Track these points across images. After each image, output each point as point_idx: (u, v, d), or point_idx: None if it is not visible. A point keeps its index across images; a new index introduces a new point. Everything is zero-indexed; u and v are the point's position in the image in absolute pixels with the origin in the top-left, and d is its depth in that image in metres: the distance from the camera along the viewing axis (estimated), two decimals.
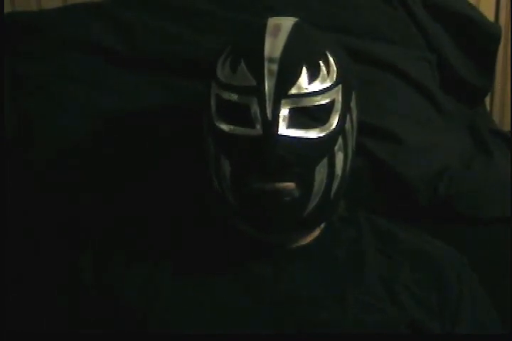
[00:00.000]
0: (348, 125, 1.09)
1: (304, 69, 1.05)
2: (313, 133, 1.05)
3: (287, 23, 1.10)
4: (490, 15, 1.63)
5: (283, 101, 1.03)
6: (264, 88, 1.03)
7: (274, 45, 1.05)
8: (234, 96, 1.05)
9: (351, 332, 1.06)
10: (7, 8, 1.46)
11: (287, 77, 1.04)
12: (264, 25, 1.08)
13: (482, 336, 1.14)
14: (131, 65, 1.34)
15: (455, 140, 1.41)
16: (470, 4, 1.53)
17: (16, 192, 1.27)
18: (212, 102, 1.08)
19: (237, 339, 1.04)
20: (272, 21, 1.10)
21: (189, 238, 1.13)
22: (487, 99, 1.60)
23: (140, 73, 1.34)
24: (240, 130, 1.05)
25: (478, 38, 1.47)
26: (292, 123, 1.03)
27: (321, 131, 1.05)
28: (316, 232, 1.15)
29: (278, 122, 1.02)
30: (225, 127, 1.06)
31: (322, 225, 1.15)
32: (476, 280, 1.18)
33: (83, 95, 1.32)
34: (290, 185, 1.04)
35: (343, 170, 1.09)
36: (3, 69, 1.30)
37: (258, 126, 1.03)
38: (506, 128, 1.71)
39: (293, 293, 1.08)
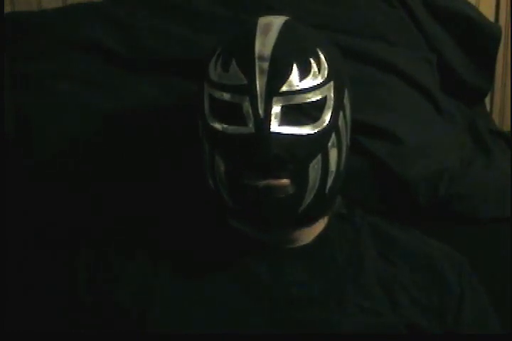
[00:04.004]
0: (341, 121, 1.09)
1: (295, 67, 1.05)
2: (305, 130, 1.05)
3: (278, 21, 1.10)
4: (490, 15, 1.63)
5: (275, 99, 1.04)
6: (256, 86, 1.04)
7: (264, 43, 1.06)
8: (226, 96, 1.06)
9: (349, 334, 1.06)
10: (7, 8, 1.46)
11: (278, 75, 1.04)
12: (255, 24, 1.09)
13: (482, 336, 1.14)
14: (131, 65, 1.34)
15: (455, 140, 1.41)
16: (470, 4, 1.53)
17: (15, 192, 1.27)
18: (206, 102, 1.09)
19: (235, 339, 1.04)
20: (263, 20, 1.10)
21: (188, 238, 1.13)
22: (487, 99, 1.60)
23: (140, 73, 1.34)
24: (232, 128, 1.05)
25: (478, 38, 1.47)
26: (284, 121, 1.04)
27: (314, 128, 1.06)
28: (315, 233, 1.15)
29: (270, 120, 1.03)
30: (218, 126, 1.06)
31: (321, 226, 1.15)
32: (476, 280, 1.18)
33: (83, 95, 1.32)
34: (284, 181, 1.04)
35: (338, 166, 1.09)
36: (3, 69, 1.30)
37: (250, 124, 1.04)
38: (506, 128, 1.71)
39: (291, 294, 1.09)
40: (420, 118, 1.38)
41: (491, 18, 1.66)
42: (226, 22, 1.36)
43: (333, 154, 1.08)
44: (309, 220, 1.12)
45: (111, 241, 1.14)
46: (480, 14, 1.49)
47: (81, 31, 1.35)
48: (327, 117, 1.07)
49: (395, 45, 1.42)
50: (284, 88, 1.04)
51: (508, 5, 1.69)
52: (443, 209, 1.34)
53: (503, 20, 1.69)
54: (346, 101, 1.11)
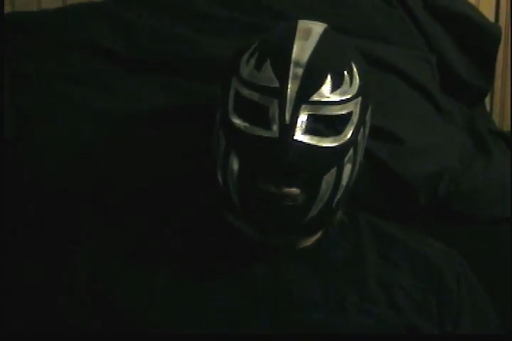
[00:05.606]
0: (360, 137, 1.09)
1: (329, 78, 1.05)
2: (326, 142, 1.05)
3: (318, 28, 1.10)
4: (490, 16, 1.63)
5: (303, 107, 1.03)
6: (287, 91, 1.03)
7: (302, 49, 1.05)
8: (255, 95, 1.05)
9: (349, 335, 1.06)
10: (7, 8, 1.46)
11: (311, 83, 1.04)
12: (294, 27, 1.08)
13: (482, 336, 1.14)
14: (132, 65, 1.34)
15: (455, 140, 1.41)
16: (470, 4, 1.53)
17: (15, 192, 1.27)
18: (231, 97, 1.08)
19: (235, 339, 1.04)
20: (303, 24, 1.10)
21: (189, 238, 1.13)
22: (487, 99, 1.60)
23: (140, 73, 1.34)
24: (255, 129, 1.04)
25: (478, 39, 1.47)
26: (308, 130, 1.03)
27: (335, 141, 1.05)
28: (317, 235, 1.15)
29: (295, 127, 1.02)
30: (239, 123, 1.06)
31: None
32: (476, 281, 1.19)
33: (83, 95, 1.31)
34: (295, 191, 1.04)
35: (349, 180, 1.09)
36: (3, 69, 1.30)
37: (275, 128, 1.03)
38: (506, 128, 1.71)
39: (292, 294, 1.08)
40: (420, 119, 1.38)
41: (491, 18, 1.66)
42: (226, 22, 1.36)
43: (347, 169, 1.07)
44: (311, 230, 1.12)
45: (111, 241, 1.14)
46: (480, 14, 1.49)
47: (81, 31, 1.35)
48: (349, 132, 1.06)
49: (395, 44, 1.42)
50: (315, 97, 1.04)
51: (508, 5, 1.69)
52: (443, 209, 1.34)
53: (503, 20, 1.69)
54: (368, 118, 1.12)
